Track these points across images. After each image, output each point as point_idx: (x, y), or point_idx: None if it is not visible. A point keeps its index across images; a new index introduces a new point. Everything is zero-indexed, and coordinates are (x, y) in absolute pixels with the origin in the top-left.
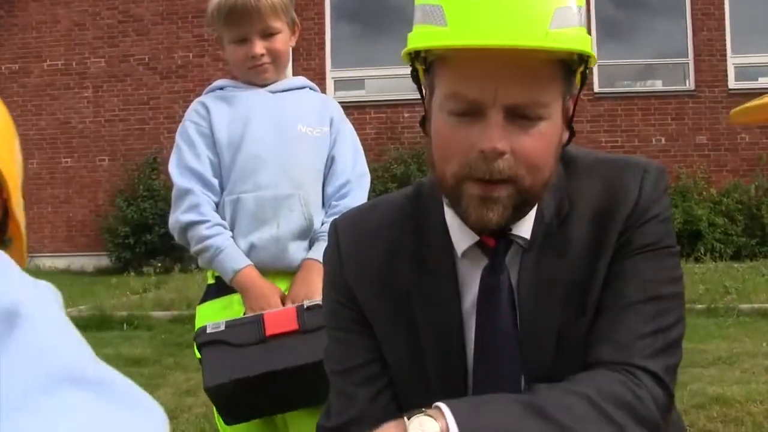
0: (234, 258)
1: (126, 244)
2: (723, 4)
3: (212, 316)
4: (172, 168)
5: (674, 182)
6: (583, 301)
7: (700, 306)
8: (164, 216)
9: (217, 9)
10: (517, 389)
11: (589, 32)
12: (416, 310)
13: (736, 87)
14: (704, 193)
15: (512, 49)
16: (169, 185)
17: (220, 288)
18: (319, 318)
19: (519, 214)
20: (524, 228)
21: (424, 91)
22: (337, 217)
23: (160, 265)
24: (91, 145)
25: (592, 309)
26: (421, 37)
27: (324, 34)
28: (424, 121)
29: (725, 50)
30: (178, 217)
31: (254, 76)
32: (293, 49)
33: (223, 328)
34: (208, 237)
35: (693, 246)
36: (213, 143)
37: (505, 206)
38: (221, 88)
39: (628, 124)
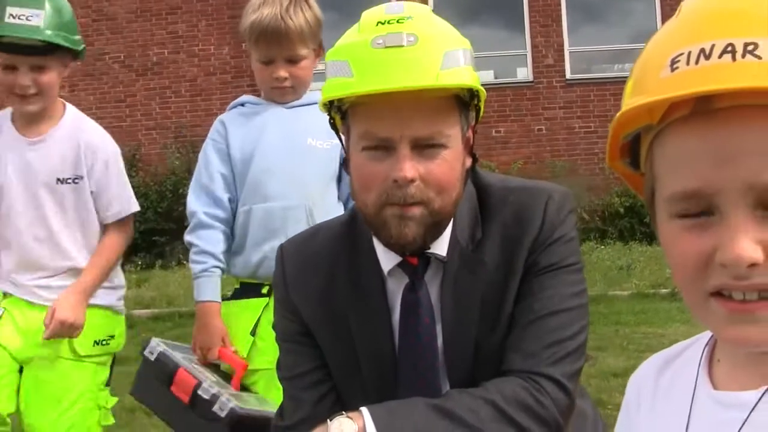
0: (202, 290)
1: None
2: None
3: (236, 313)
4: (191, 186)
5: None
6: (497, 316)
7: (664, 290)
8: (145, 213)
9: (250, 27)
10: (436, 391)
11: (560, 19)
12: (352, 323)
13: None
14: None
15: (411, 90)
16: (148, 182)
17: (244, 291)
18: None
19: (434, 232)
20: (440, 248)
21: (343, 137)
22: (284, 242)
23: (140, 262)
24: None
25: (505, 323)
26: (332, 88)
27: None
28: (347, 162)
29: None
30: (185, 234)
31: (276, 96)
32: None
33: (158, 353)
34: (193, 261)
35: None
36: (228, 158)
37: (419, 224)
38: (242, 104)
39: (601, 109)
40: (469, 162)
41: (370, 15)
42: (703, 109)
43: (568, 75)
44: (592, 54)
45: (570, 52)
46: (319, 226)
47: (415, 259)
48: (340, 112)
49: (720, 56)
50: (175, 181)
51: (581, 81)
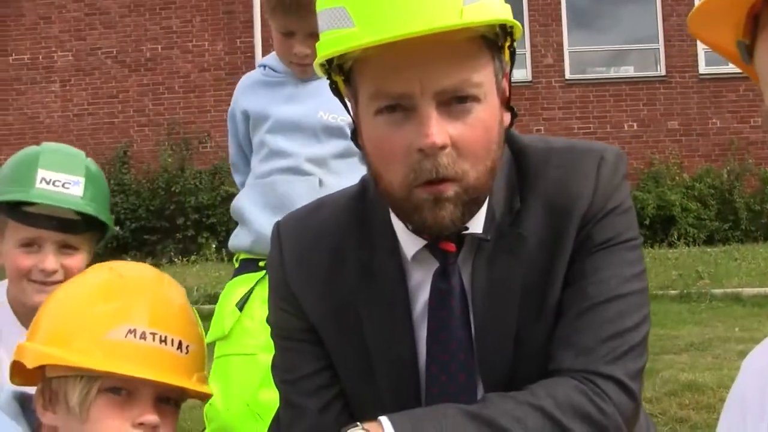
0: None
1: None
2: None
3: (234, 287)
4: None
5: (647, 168)
6: (541, 303)
7: (673, 292)
8: (136, 211)
9: None
10: (473, 397)
11: (560, 18)
12: (363, 317)
13: (707, 72)
14: (677, 178)
15: (428, 33)
16: (140, 179)
17: (242, 268)
18: None
19: (471, 210)
20: (477, 224)
21: (348, 103)
22: (280, 219)
23: (130, 260)
24: (59, 139)
25: (551, 312)
26: (329, 43)
27: None
28: (356, 134)
29: None
30: None
31: (295, 71)
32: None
33: None
34: None
35: (666, 231)
36: (241, 118)
37: (455, 204)
38: (263, 66)
39: (600, 110)
40: (507, 119)
41: None
42: None
43: (568, 75)
44: (592, 54)
45: (569, 52)
46: (323, 199)
47: (452, 245)
48: (341, 72)
49: None
50: (167, 179)
51: (580, 81)
